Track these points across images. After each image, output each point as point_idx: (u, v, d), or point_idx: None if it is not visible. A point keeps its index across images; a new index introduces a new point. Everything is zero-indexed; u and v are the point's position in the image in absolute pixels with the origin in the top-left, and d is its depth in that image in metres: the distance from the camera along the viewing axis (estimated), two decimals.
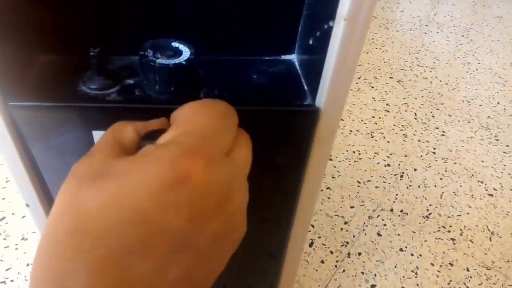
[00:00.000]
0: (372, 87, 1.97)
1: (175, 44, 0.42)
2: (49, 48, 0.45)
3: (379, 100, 1.89)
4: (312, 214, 0.64)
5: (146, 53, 0.40)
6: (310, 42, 0.46)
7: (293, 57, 0.52)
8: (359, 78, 2.02)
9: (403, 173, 1.53)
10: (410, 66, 2.16)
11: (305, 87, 0.47)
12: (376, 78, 2.04)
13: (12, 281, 1.07)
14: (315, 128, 0.45)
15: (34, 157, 0.45)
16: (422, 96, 1.95)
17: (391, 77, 2.06)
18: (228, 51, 0.51)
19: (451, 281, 1.19)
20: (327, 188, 1.43)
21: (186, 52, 0.41)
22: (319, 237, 1.26)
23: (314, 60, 0.45)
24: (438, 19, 2.70)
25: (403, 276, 1.19)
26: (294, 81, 0.49)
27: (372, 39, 2.37)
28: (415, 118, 1.80)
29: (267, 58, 0.52)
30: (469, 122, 1.81)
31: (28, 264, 1.11)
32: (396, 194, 1.44)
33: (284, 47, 0.52)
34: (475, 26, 2.63)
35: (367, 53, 2.23)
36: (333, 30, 0.37)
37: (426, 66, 2.17)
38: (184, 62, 0.40)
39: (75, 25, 0.44)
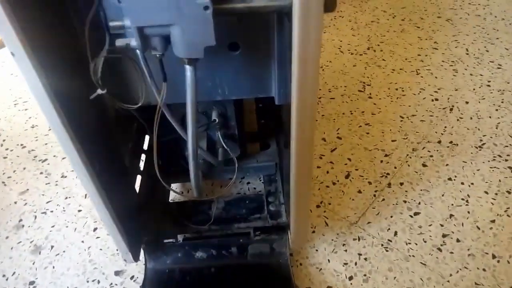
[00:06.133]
0: (418, 27, 1.83)
1: None
2: None
3: (426, 39, 1.75)
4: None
5: None
6: None
7: None
8: (403, 20, 1.88)
9: (452, 106, 1.40)
10: (460, 5, 1.98)
11: None
12: (422, 18, 1.89)
13: (51, 211, 1.12)
14: None
15: None
16: (475, 33, 1.77)
17: (439, 17, 1.90)
18: None
19: (508, 208, 1.07)
20: (366, 124, 1.34)
21: None
22: (356, 169, 1.19)
23: None
24: None
25: (452, 204, 1.08)
26: None
27: None
28: (467, 54, 1.65)
29: None
30: None
31: (66, 198, 1.15)
32: (445, 127, 1.32)
33: None
34: None
35: None
36: None
37: (479, 4, 1.98)
38: None
39: None
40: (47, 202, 1.14)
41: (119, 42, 0.55)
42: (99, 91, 0.60)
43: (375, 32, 1.81)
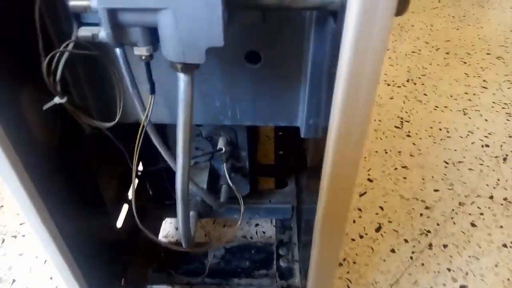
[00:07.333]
0: (465, 63, 1.63)
1: None
2: None
3: (474, 76, 1.55)
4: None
5: None
6: None
7: None
8: (447, 54, 1.69)
9: (506, 155, 1.18)
10: None
11: None
12: (469, 54, 1.70)
13: (23, 235, 0.94)
14: None
15: None
16: None
17: (488, 53, 1.70)
18: None
19: None
20: (403, 167, 1.14)
21: None
22: (390, 222, 0.98)
23: None
24: None
25: (508, 279, 0.86)
26: None
27: (464, 16, 2.02)
28: None
29: None
30: None
31: None
32: (498, 179, 1.11)
33: None
34: None
35: (458, 29, 1.89)
36: None
37: None
38: None
39: None
40: (21, 224, 0.97)
41: (83, 32, 0.38)
42: (57, 100, 0.43)
43: (416, 64, 1.62)
